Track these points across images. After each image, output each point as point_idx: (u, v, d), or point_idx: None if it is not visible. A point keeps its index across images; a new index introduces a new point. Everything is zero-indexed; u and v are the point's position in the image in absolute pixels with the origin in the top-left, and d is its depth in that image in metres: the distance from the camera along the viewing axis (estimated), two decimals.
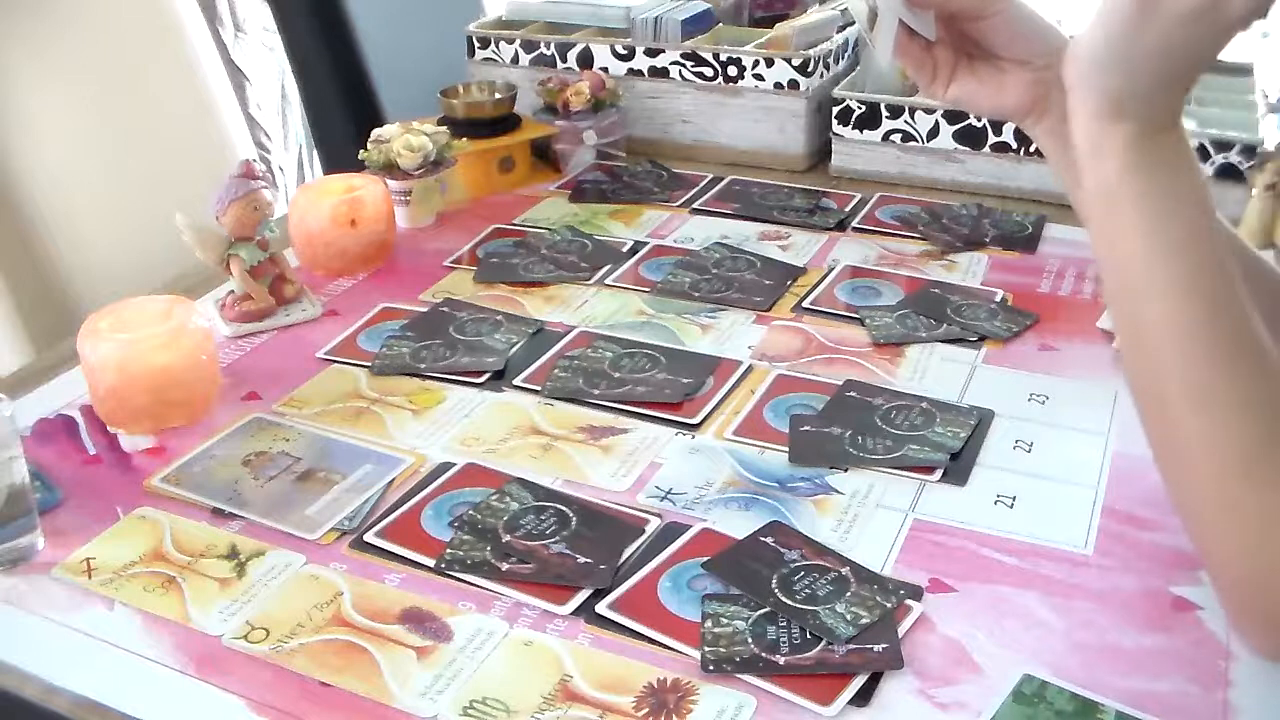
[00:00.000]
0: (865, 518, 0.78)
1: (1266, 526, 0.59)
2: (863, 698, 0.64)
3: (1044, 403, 0.91)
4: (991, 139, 1.29)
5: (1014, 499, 0.80)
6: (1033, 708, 0.63)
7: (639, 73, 1.44)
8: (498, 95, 1.37)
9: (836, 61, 1.44)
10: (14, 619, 0.72)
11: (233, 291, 1.06)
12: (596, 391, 0.93)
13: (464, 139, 1.29)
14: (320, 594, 0.73)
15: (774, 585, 0.71)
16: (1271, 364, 0.61)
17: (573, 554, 0.75)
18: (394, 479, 0.84)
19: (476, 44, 1.53)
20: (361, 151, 1.25)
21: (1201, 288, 0.61)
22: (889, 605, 0.70)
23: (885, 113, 1.33)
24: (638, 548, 0.76)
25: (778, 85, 1.37)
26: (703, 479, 0.83)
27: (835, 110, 1.35)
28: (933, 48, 0.73)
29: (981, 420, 0.88)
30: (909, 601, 0.70)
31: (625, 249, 1.19)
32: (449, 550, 0.76)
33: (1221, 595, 0.64)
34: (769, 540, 0.76)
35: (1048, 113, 0.72)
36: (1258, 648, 0.65)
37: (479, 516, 0.79)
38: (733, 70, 1.39)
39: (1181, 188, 0.62)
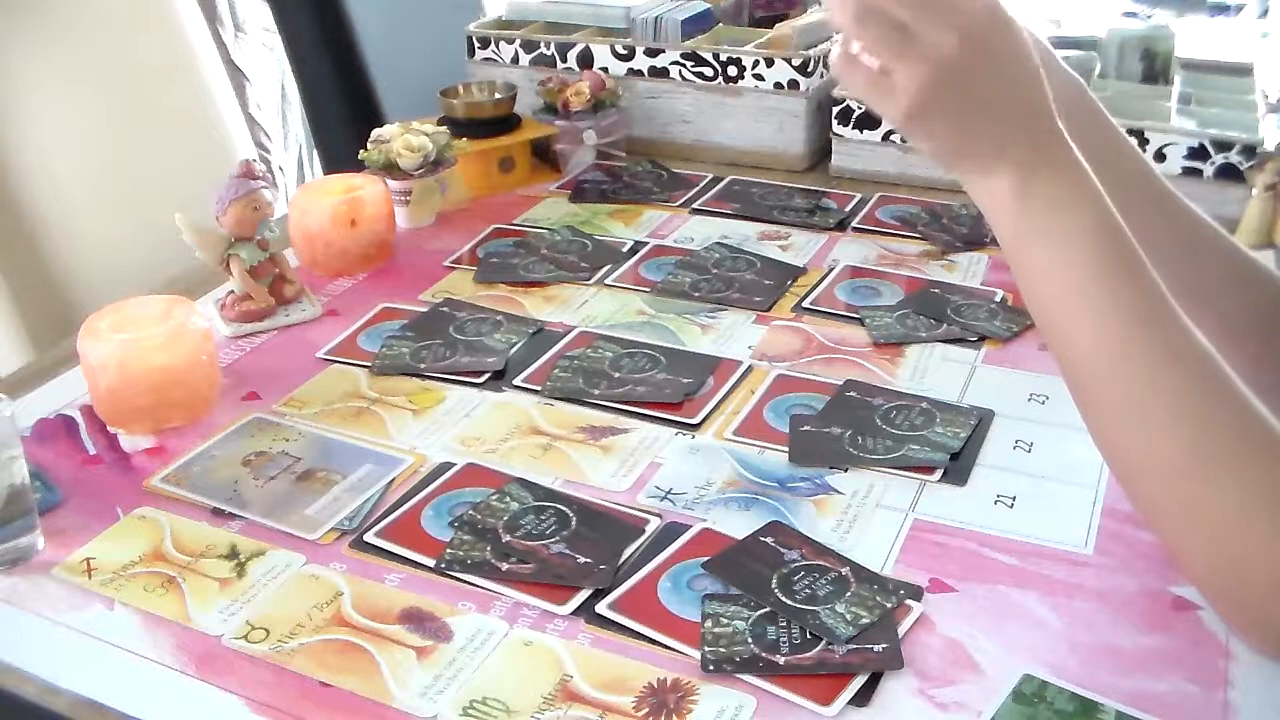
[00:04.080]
0: (865, 518, 0.78)
1: (1227, 527, 0.60)
2: (863, 698, 0.64)
3: (1044, 403, 0.91)
4: None
5: (1014, 499, 0.80)
6: (1033, 708, 0.63)
7: (639, 73, 1.44)
8: (498, 95, 1.37)
9: None
10: (14, 619, 0.72)
11: (233, 291, 1.06)
12: (596, 391, 0.93)
13: (464, 139, 1.29)
14: (320, 594, 0.73)
15: (774, 585, 0.71)
16: (1204, 366, 0.61)
17: (573, 554, 0.75)
18: (394, 479, 0.84)
19: (476, 44, 1.53)
20: (361, 151, 1.24)
21: (1121, 311, 0.62)
22: (889, 605, 0.70)
23: None
24: (638, 548, 0.76)
25: (778, 85, 1.37)
26: (703, 479, 0.83)
27: (835, 110, 1.35)
28: None
29: (981, 420, 0.88)
30: (909, 601, 0.70)
31: (625, 249, 1.19)
32: (449, 550, 0.76)
33: (1210, 602, 0.65)
34: (769, 540, 0.76)
35: None
36: (1254, 645, 0.65)
37: (479, 516, 0.79)
38: (733, 70, 1.39)
39: (1078, 222, 0.62)
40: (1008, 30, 0.62)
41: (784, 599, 0.70)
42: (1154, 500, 0.63)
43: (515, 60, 1.51)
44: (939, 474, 0.82)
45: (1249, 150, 1.18)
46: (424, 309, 1.08)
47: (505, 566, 0.74)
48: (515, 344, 1.01)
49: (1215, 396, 0.61)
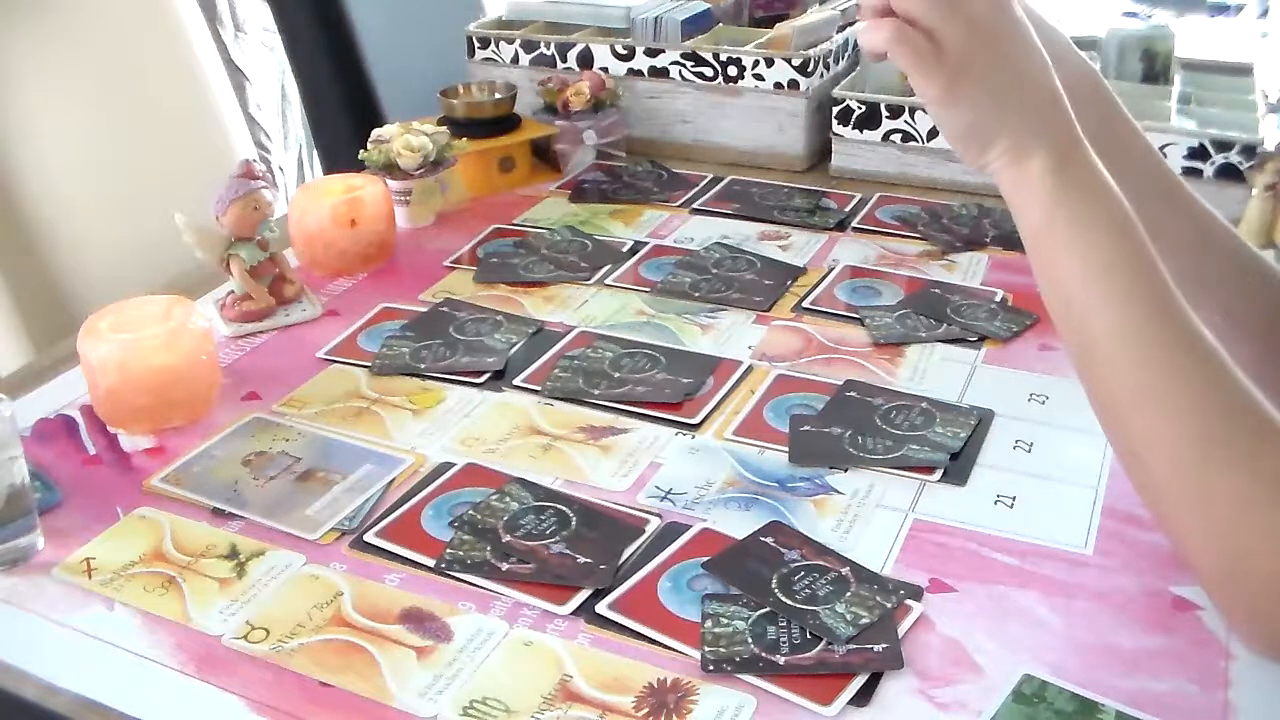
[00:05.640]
0: (865, 518, 0.78)
1: (1232, 512, 0.61)
2: (863, 698, 0.64)
3: (1044, 403, 0.91)
4: None
5: (1014, 499, 0.80)
6: (1033, 708, 0.63)
7: (639, 73, 1.44)
8: (498, 95, 1.37)
9: (836, 61, 1.44)
10: (14, 619, 0.72)
11: (233, 291, 1.06)
12: (596, 391, 0.93)
13: (464, 139, 1.29)
14: (320, 594, 0.73)
15: (774, 585, 0.71)
16: (1215, 355, 0.62)
17: (573, 554, 0.75)
18: (394, 479, 0.84)
19: (476, 44, 1.53)
20: (361, 151, 1.25)
21: (1141, 295, 0.63)
22: (889, 605, 0.70)
23: (885, 113, 1.33)
24: (638, 548, 0.76)
25: (778, 85, 1.37)
26: (703, 479, 0.83)
27: (835, 110, 1.35)
28: None
29: (981, 420, 0.88)
30: (909, 601, 0.70)
31: (625, 249, 1.19)
32: (449, 550, 0.76)
33: (1204, 588, 0.65)
34: (769, 540, 0.76)
35: None
36: (1246, 638, 0.65)
37: (479, 516, 0.79)
38: (733, 70, 1.39)
39: (1105, 205, 0.64)
40: (1018, 20, 0.65)
41: (784, 599, 0.70)
42: (1163, 486, 0.64)
43: (515, 60, 1.51)
44: (939, 474, 0.82)
45: (1249, 150, 1.18)
46: (424, 309, 1.08)
47: (505, 566, 0.74)
48: (515, 344, 1.01)
49: (1229, 386, 0.62)
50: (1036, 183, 0.64)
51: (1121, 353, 0.63)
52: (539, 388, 0.94)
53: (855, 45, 1.49)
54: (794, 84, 1.37)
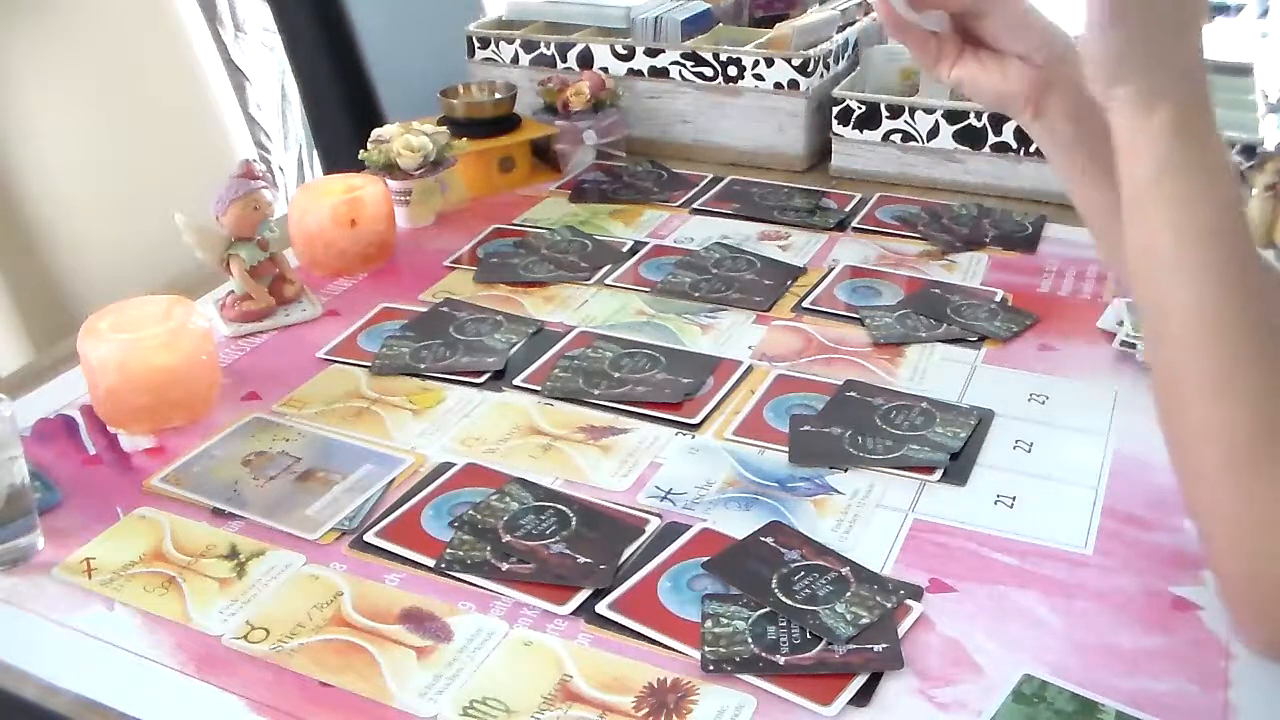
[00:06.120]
0: (865, 518, 0.78)
1: (1270, 512, 0.60)
2: (863, 698, 0.64)
3: (1044, 403, 0.91)
4: (991, 139, 1.29)
5: (1014, 499, 0.80)
6: (1033, 708, 0.63)
7: (639, 73, 1.44)
8: (498, 95, 1.37)
9: (836, 61, 1.44)
10: (14, 619, 0.72)
11: (233, 291, 1.06)
12: (596, 391, 0.93)
13: (464, 139, 1.29)
14: (320, 594, 0.73)
15: (774, 585, 0.71)
16: None
17: (573, 554, 0.75)
18: (394, 479, 0.84)
19: (476, 44, 1.53)
20: (361, 151, 1.25)
21: (1231, 273, 0.62)
22: (889, 605, 0.70)
23: (885, 113, 1.33)
24: (638, 548, 0.76)
25: (778, 85, 1.37)
26: (703, 479, 0.83)
27: (835, 110, 1.35)
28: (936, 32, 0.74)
29: (981, 420, 0.88)
30: (909, 601, 0.70)
31: (625, 249, 1.19)
32: (449, 550, 0.76)
33: (1221, 585, 0.65)
34: (769, 540, 0.76)
35: (1046, 110, 0.73)
36: (1248, 638, 0.65)
37: (479, 516, 0.79)
38: (733, 70, 1.39)
39: (1217, 173, 0.63)
40: None
41: (784, 599, 0.70)
42: (1210, 477, 0.63)
43: (515, 60, 1.51)
44: (939, 474, 0.82)
45: (1249, 150, 1.18)
46: (424, 309, 1.08)
47: (505, 566, 0.74)
48: (515, 344, 1.01)
49: None
50: (1156, 134, 0.63)
51: (1196, 331, 0.62)
52: (539, 388, 0.94)
53: (855, 45, 1.49)
54: (794, 84, 1.37)
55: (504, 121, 1.36)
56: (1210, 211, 0.62)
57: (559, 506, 0.79)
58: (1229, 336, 0.62)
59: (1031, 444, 0.86)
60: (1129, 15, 0.62)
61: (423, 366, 0.98)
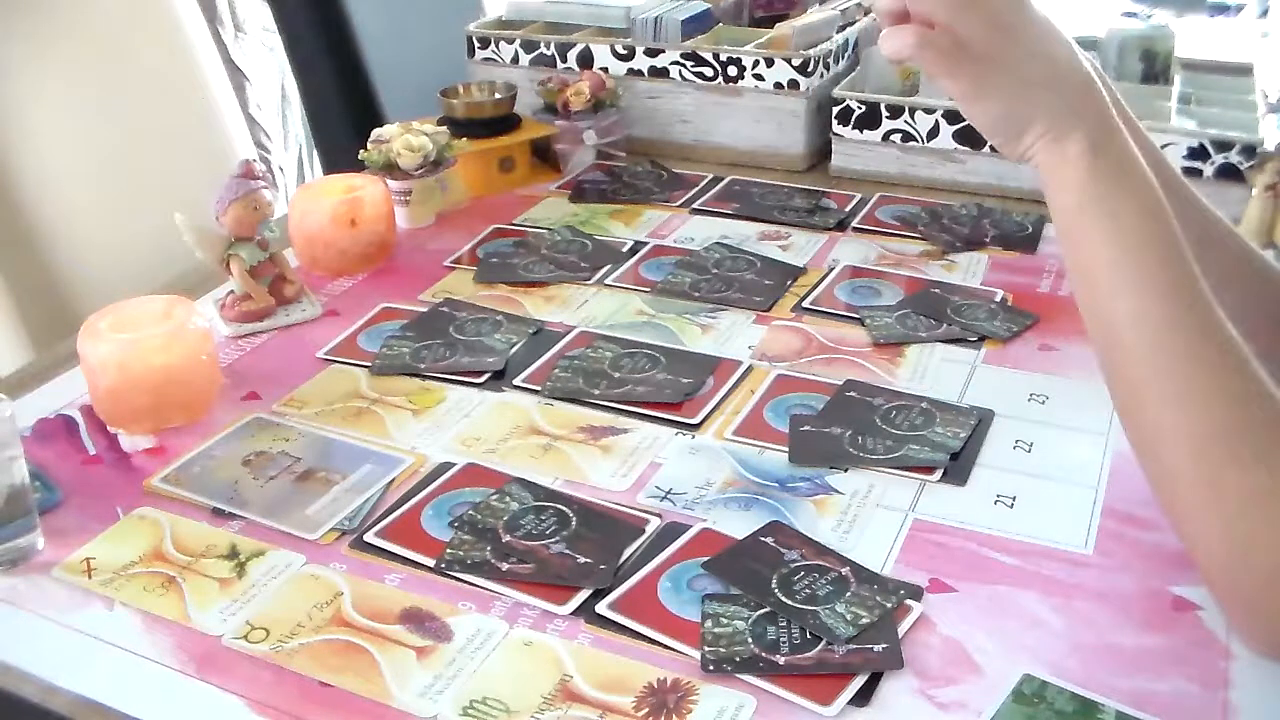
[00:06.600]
0: (865, 518, 0.78)
1: (1243, 505, 0.61)
2: (863, 698, 0.64)
3: (1044, 403, 0.91)
4: None
5: (1014, 499, 0.80)
6: (1033, 708, 0.63)
7: (639, 73, 1.44)
8: (498, 95, 1.37)
9: (836, 61, 1.44)
10: (14, 619, 0.72)
11: (233, 291, 1.06)
12: (596, 391, 0.93)
13: (464, 139, 1.29)
14: (320, 594, 0.73)
15: (774, 585, 0.71)
16: (1237, 347, 0.63)
17: (573, 554, 0.75)
18: (394, 479, 0.84)
19: (476, 44, 1.53)
20: (361, 151, 1.25)
21: (1169, 280, 0.64)
22: (889, 605, 0.70)
23: (885, 113, 1.33)
24: (638, 548, 0.76)
25: (778, 85, 1.37)
26: (703, 479, 0.83)
27: (835, 110, 1.35)
28: None
29: (981, 420, 0.88)
30: (909, 601, 0.70)
31: (625, 249, 1.19)
32: (449, 550, 0.76)
33: (1206, 581, 0.66)
34: (769, 540, 0.76)
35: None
36: (1244, 635, 0.65)
37: (479, 516, 0.79)
38: (733, 70, 1.39)
39: (1139, 187, 0.65)
40: (1034, 9, 0.67)
41: (784, 599, 0.70)
42: (1176, 476, 0.64)
43: (515, 60, 1.51)
44: (939, 474, 0.82)
45: (1249, 150, 1.18)
46: (424, 309, 1.08)
47: (505, 566, 0.74)
48: (515, 344, 1.01)
49: (1249, 377, 0.62)
50: (1074, 161, 0.65)
51: (1145, 338, 0.64)
52: (539, 388, 0.94)
53: (855, 45, 1.49)
54: (794, 84, 1.37)
55: (504, 121, 1.36)
56: (1138, 225, 0.64)
57: (559, 506, 0.79)
58: (1177, 342, 0.63)
59: (1031, 444, 0.86)
60: (989, 82, 0.65)
61: (423, 366, 0.98)
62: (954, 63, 0.65)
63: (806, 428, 0.88)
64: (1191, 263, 0.64)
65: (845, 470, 0.83)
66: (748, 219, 1.26)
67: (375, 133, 1.25)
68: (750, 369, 0.96)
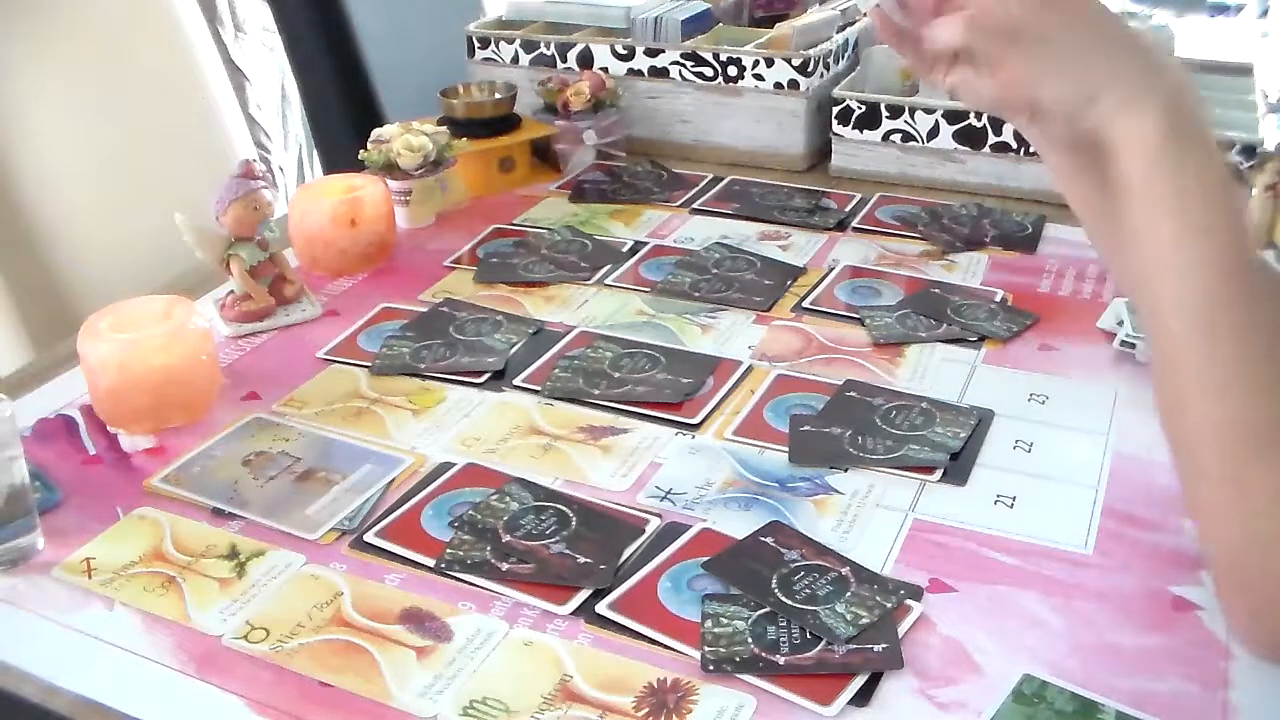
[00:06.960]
0: (865, 518, 0.78)
1: (1267, 503, 0.60)
2: (863, 698, 0.64)
3: (1044, 403, 0.91)
4: (991, 139, 1.29)
5: (1014, 499, 0.80)
6: (1033, 708, 0.63)
7: (639, 73, 1.44)
8: (498, 95, 1.37)
9: (836, 61, 1.44)
10: (14, 619, 0.72)
11: (233, 291, 1.06)
12: (596, 391, 0.93)
13: (464, 139, 1.29)
14: (320, 594, 0.73)
15: (774, 585, 0.71)
16: None
17: (573, 554, 0.75)
18: (394, 479, 0.84)
19: (476, 44, 1.53)
20: (361, 151, 1.25)
21: (1227, 265, 0.62)
22: (889, 605, 0.70)
23: (885, 113, 1.33)
24: (638, 548, 0.76)
25: (778, 85, 1.37)
26: (703, 479, 0.83)
27: (835, 110, 1.35)
28: None
29: (981, 420, 0.88)
30: (909, 601, 0.70)
31: (625, 249, 1.19)
32: (449, 550, 0.76)
33: (1218, 583, 0.65)
34: (769, 540, 0.76)
35: (1041, 113, 0.73)
36: (1244, 637, 0.65)
37: (479, 516, 0.79)
38: (733, 70, 1.39)
39: (1213, 163, 0.63)
40: None
41: (784, 599, 0.70)
42: (1207, 473, 0.63)
43: (515, 60, 1.51)
44: (939, 474, 0.82)
45: (1249, 150, 1.18)
46: (424, 309, 1.08)
47: (505, 566, 0.74)
48: (515, 344, 1.01)
49: None
50: (1150, 131, 0.63)
51: (1194, 327, 0.62)
52: (539, 388, 0.94)
53: (855, 45, 1.49)
54: (794, 84, 1.37)
55: (504, 121, 1.36)
56: (1206, 205, 0.63)
57: (559, 506, 0.79)
58: (1227, 332, 0.62)
59: (1031, 444, 0.86)
60: (1046, 61, 0.64)
61: (423, 366, 0.98)
62: (1011, 39, 0.63)
63: (806, 428, 0.88)
64: (1251, 253, 0.63)
65: (845, 470, 0.83)
66: (748, 219, 1.26)
67: (375, 133, 1.25)
68: (750, 369, 0.96)
